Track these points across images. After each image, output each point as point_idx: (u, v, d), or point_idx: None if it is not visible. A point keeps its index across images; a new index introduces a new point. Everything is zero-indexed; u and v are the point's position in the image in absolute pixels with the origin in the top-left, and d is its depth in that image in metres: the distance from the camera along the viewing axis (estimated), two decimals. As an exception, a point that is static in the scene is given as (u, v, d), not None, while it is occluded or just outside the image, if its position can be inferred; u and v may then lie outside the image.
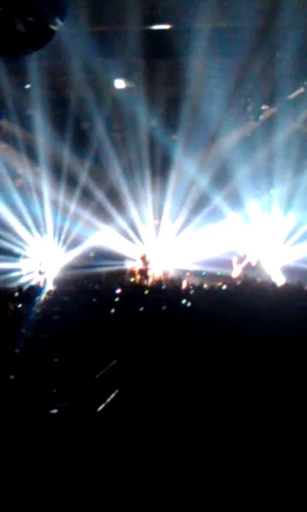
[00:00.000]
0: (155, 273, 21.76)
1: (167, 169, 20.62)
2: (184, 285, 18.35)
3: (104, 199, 21.44)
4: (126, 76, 17.54)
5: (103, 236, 22.40)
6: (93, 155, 20.44)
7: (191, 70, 16.06)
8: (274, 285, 18.43)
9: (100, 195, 21.42)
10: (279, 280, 19.94)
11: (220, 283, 18.34)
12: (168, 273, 21.69)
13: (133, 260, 22.33)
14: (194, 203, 21.44)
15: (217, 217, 21.78)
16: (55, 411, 7.66)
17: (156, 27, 14.70)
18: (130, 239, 22.52)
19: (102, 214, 21.83)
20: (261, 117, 19.76)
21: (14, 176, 21.47)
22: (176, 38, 14.65)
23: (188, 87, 17.05)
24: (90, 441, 7.35)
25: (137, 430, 7.14)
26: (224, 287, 17.80)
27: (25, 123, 19.54)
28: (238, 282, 19.33)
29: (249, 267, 21.92)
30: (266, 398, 7.72)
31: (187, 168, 20.50)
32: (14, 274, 21.11)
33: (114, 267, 22.00)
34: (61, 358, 9.27)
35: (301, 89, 18.20)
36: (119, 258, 22.47)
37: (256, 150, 20.03)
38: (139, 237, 22.43)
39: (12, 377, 8.37)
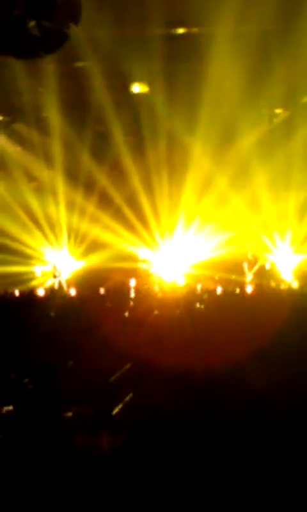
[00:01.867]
0: (169, 277, 21.74)
1: (184, 171, 20.54)
2: (198, 289, 18.30)
3: (121, 202, 21.38)
4: (145, 80, 17.51)
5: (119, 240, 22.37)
6: (110, 159, 20.41)
7: (211, 74, 15.92)
8: (288, 289, 18.35)
9: (117, 198, 21.35)
10: (293, 284, 19.84)
11: (234, 288, 18.27)
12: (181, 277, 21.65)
13: (147, 263, 22.30)
14: (209, 207, 21.36)
15: (231, 220, 21.70)
16: (70, 414, 7.65)
17: (176, 30, 14.71)
18: (145, 242, 22.48)
19: (118, 215, 21.76)
20: (275, 120, 19.72)
21: (29, 178, 21.47)
22: (197, 42, 14.66)
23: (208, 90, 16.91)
24: (103, 445, 7.33)
25: (151, 434, 7.11)
26: (238, 291, 17.74)
27: (40, 126, 19.59)
28: (252, 286, 19.23)
29: (261, 271, 21.82)
30: (282, 403, 7.66)
31: (202, 170, 20.46)
32: (25, 277, 21.11)
33: (127, 271, 21.97)
34: (75, 362, 9.27)
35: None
36: (133, 260, 22.43)
37: (272, 153, 19.93)
38: (153, 240, 22.40)
39: (26, 380, 8.38)
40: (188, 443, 6.78)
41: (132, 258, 22.48)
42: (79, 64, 15.85)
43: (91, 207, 21.47)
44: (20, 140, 20.72)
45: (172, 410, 7.63)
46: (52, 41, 9.28)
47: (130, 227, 21.91)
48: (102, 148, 20.22)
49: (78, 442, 7.35)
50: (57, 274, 21.10)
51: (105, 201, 21.39)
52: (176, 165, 20.62)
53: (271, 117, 19.60)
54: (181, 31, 14.88)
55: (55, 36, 9.24)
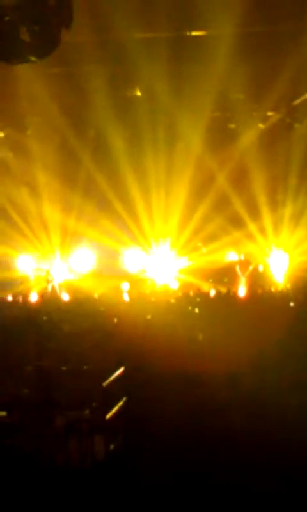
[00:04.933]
0: (161, 281, 21.75)
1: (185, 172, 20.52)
2: (191, 292, 18.30)
3: (117, 205, 21.32)
4: (141, 82, 17.40)
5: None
6: (110, 165, 20.35)
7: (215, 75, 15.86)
8: (281, 292, 18.36)
9: (114, 202, 21.28)
10: (286, 287, 19.86)
11: (225, 290, 18.27)
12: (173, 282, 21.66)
13: (139, 268, 22.30)
14: (204, 211, 21.35)
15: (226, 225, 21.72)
16: (63, 419, 7.63)
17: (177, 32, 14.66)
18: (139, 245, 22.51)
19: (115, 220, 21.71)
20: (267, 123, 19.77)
21: (21, 182, 21.38)
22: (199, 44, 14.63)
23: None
24: (98, 450, 7.33)
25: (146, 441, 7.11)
26: (230, 294, 17.74)
27: (30, 130, 19.54)
28: (243, 289, 19.26)
29: (253, 274, 21.84)
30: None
31: (200, 173, 20.49)
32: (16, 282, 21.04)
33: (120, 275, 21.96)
34: (68, 367, 9.24)
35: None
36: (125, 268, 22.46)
37: (268, 156, 19.96)
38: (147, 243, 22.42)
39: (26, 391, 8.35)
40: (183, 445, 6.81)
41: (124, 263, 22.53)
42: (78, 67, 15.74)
43: (89, 209, 21.43)
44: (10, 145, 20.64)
45: (165, 413, 7.65)
46: (43, 46, 9.27)
47: (126, 230, 21.93)
48: (100, 154, 20.16)
49: (72, 447, 7.36)
50: (50, 279, 21.06)
51: (101, 205, 21.35)
52: (173, 167, 20.64)
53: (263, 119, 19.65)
54: (182, 32, 14.84)
55: (47, 41, 9.23)
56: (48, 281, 20.91)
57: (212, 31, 14.72)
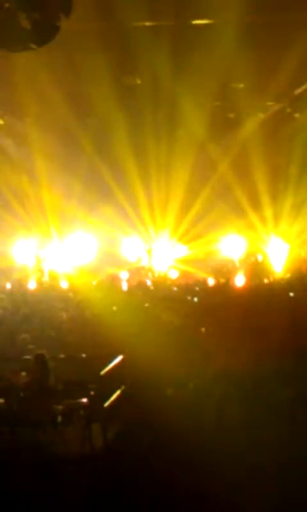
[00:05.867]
0: (160, 270, 21.76)
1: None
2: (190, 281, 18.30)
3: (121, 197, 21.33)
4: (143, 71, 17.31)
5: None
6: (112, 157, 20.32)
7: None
8: (280, 281, 18.35)
9: (115, 190, 21.26)
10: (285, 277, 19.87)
11: (224, 280, 18.28)
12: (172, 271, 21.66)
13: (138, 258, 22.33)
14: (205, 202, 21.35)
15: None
16: (61, 407, 7.67)
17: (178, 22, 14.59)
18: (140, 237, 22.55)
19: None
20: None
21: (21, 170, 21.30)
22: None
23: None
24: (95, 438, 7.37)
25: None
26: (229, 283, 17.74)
27: (30, 118, 19.45)
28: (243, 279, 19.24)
29: (254, 264, 21.84)
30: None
31: (201, 162, 20.52)
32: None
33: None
34: (67, 355, 9.28)
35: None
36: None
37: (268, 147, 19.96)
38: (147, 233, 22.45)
39: (23, 373, 8.38)
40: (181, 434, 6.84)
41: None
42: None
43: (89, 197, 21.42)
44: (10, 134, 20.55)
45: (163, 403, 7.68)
46: (43, 33, 9.23)
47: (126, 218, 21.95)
48: (101, 143, 20.10)
49: (70, 434, 7.40)
50: (42, 266, 21.00)
51: (102, 192, 21.33)
52: (174, 156, 20.62)
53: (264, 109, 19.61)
54: (183, 21, 14.76)
55: (46, 29, 9.20)
56: (41, 270, 20.82)
57: (213, 20, 14.64)
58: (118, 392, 8.12)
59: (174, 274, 20.83)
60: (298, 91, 18.67)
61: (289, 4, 13.64)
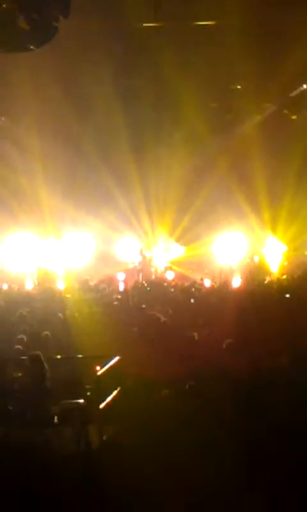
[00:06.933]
0: (157, 271, 21.80)
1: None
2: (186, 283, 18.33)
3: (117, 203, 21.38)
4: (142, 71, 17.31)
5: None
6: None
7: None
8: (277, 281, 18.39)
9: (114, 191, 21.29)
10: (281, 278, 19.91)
11: (221, 281, 18.31)
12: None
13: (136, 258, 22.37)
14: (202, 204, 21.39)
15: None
16: (57, 408, 7.67)
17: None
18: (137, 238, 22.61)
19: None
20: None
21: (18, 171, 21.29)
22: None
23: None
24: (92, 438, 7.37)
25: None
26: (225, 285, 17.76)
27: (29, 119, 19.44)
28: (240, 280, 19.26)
29: (250, 265, 21.87)
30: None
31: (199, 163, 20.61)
32: None
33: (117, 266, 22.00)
34: (63, 355, 9.28)
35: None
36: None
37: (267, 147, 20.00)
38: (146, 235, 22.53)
39: (19, 374, 8.37)
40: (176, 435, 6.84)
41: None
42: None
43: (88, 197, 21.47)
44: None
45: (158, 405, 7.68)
46: (42, 34, 9.22)
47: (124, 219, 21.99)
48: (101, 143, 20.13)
49: (66, 435, 7.40)
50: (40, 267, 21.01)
51: (100, 193, 21.38)
52: (173, 156, 20.67)
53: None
54: (183, 23, 14.78)
55: (45, 29, 9.19)
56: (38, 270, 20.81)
57: (213, 21, 14.66)
58: (115, 393, 8.12)
59: (170, 276, 20.86)
60: (295, 93, 18.77)
61: (287, 6, 13.69)
